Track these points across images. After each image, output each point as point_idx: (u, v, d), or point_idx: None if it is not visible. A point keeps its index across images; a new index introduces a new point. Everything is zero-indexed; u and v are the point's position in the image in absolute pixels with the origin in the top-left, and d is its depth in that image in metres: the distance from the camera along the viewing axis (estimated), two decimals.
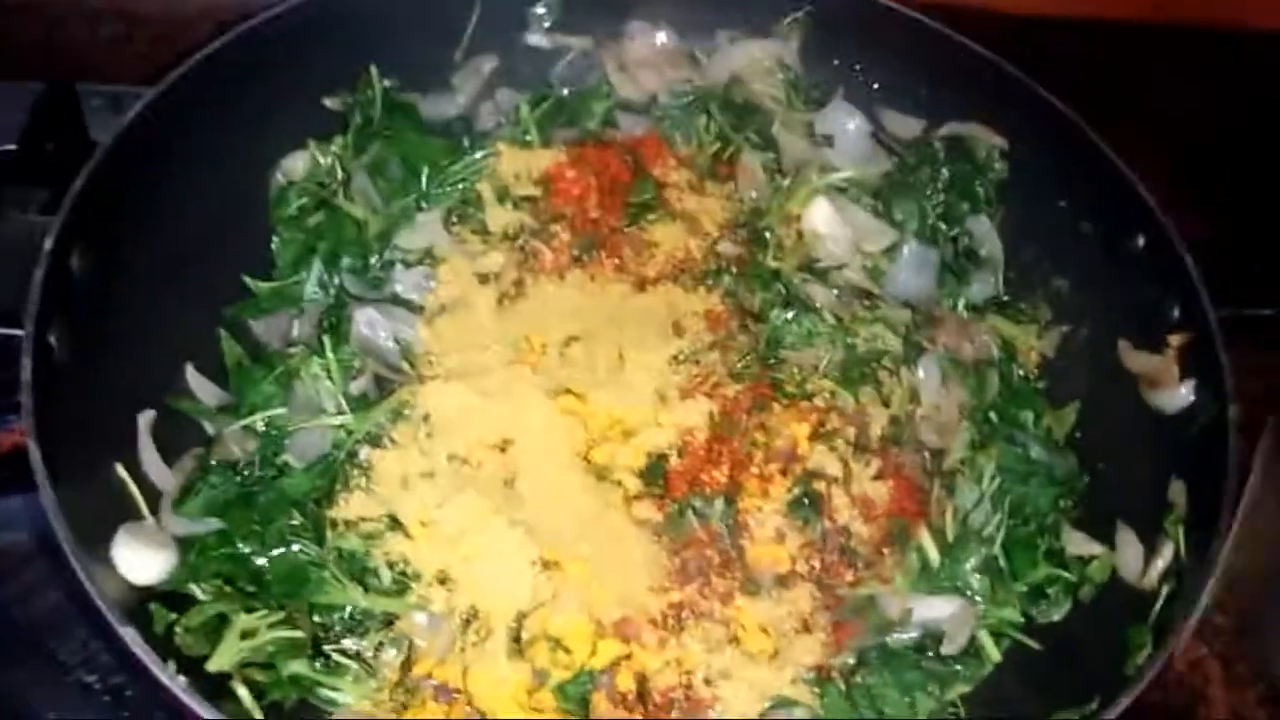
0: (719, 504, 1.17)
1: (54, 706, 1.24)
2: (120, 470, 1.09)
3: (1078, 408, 1.31)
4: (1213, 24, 1.80)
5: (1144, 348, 1.25)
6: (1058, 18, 1.76)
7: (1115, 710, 0.97)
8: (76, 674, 1.26)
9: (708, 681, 1.09)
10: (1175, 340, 1.22)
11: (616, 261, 1.35)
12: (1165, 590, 1.09)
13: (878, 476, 1.21)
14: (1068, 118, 1.35)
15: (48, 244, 1.06)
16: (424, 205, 1.36)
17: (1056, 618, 1.16)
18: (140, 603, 1.00)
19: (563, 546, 1.12)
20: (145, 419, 1.12)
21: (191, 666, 0.96)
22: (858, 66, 1.50)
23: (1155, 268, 1.25)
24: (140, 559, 1.01)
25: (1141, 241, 1.28)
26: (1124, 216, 1.29)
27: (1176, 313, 1.23)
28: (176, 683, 0.86)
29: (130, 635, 0.87)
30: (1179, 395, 1.19)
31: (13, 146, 1.62)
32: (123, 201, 1.17)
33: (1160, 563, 1.11)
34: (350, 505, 1.11)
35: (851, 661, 1.13)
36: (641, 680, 1.09)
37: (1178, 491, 1.14)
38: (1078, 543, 1.19)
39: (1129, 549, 1.15)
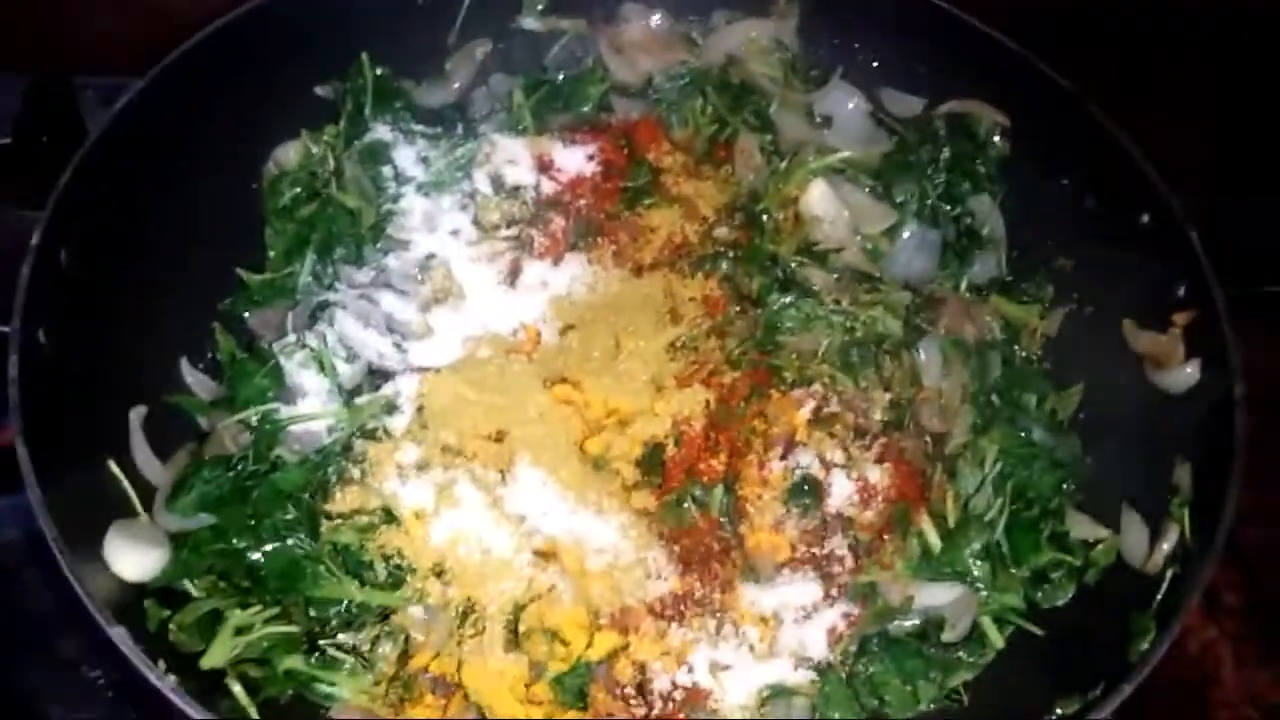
0: (718, 492, 1.16)
1: (59, 703, 1.25)
2: (113, 467, 1.08)
3: (1082, 389, 1.29)
4: None
5: (1149, 327, 1.23)
6: None
7: (1119, 698, 0.96)
8: (81, 670, 1.26)
9: (707, 671, 1.08)
10: (1180, 319, 1.19)
11: (613, 248, 1.33)
12: (1170, 574, 1.07)
13: (878, 461, 1.20)
14: (1068, 92, 1.32)
15: (35, 239, 1.05)
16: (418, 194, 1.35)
17: (1060, 603, 1.15)
18: (134, 600, 1.00)
19: (559, 537, 1.12)
20: (137, 414, 1.11)
21: (186, 664, 0.96)
22: (856, 45, 1.47)
23: (1160, 245, 1.22)
24: (132, 556, 1.01)
25: (1146, 218, 1.24)
26: (1128, 193, 1.26)
27: (1182, 291, 1.20)
28: (165, 682, 0.86)
29: (119, 635, 0.86)
30: (1184, 375, 1.17)
31: (8, 140, 1.61)
32: (112, 195, 1.16)
33: (1165, 546, 1.09)
34: (344, 499, 1.11)
35: (852, 649, 1.11)
36: (640, 671, 1.08)
37: (1183, 473, 1.12)
38: (1082, 526, 1.17)
39: (1134, 533, 1.13)
